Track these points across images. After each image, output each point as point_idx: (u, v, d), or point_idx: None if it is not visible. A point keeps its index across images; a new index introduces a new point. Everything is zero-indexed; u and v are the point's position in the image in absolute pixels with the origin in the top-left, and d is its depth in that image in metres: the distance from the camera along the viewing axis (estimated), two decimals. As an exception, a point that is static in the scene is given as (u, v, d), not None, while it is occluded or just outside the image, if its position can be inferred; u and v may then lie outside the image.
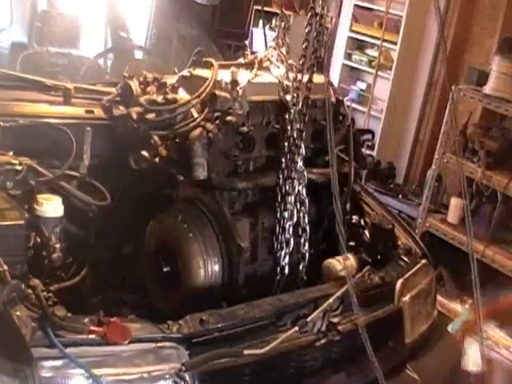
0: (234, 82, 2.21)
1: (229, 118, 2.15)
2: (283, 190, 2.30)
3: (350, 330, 2.19)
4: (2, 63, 3.53)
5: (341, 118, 2.62)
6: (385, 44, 6.29)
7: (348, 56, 6.66)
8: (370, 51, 6.59)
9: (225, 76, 2.26)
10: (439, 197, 5.13)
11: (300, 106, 2.31)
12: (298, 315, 2.08)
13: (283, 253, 2.29)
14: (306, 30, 2.25)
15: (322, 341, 2.11)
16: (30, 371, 1.49)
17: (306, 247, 2.34)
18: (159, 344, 1.71)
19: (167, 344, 1.72)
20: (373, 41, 6.45)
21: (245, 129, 2.23)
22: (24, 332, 1.53)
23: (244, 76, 2.33)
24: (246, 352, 1.84)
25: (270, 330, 2.00)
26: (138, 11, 4.28)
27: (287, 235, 2.29)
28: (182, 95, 2.29)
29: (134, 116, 2.21)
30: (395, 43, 6.17)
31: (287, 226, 2.29)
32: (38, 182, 2.07)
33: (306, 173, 2.33)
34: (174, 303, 2.15)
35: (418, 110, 6.14)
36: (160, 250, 2.21)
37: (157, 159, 2.17)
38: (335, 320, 2.18)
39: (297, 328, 1.98)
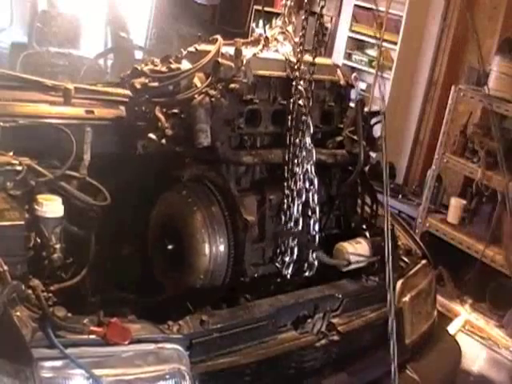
0: (238, 51, 2.18)
1: (232, 85, 2.13)
2: (290, 168, 2.25)
3: (350, 330, 2.20)
4: (2, 63, 3.53)
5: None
6: (385, 44, 6.29)
7: (348, 56, 6.67)
8: (370, 51, 6.59)
9: (230, 51, 2.24)
10: (439, 197, 5.14)
11: (306, 81, 2.27)
12: (297, 316, 2.09)
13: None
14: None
15: (322, 341, 2.11)
16: (31, 372, 1.49)
17: (317, 228, 2.28)
18: (159, 345, 1.70)
19: (167, 345, 1.72)
20: (373, 41, 6.45)
21: (249, 96, 2.20)
22: (24, 332, 1.53)
23: (250, 52, 2.31)
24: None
25: (270, 331, 2.00)
26: (138, 11, 4.28)
27: (296, 214, 2.23)
28: (187, 66, 2.28)
29: (138, 86, 2.21)
30: (395, 43, 6.17)
31: (295, 205, 2.23)
32: (38, 183, 2.06)
33: (314, 151, 2.28)
34: (180, 282, 2.13)
35: (418, 110, 6.14)
36: (165, 227, 2.18)
37: (163, 140, 2.15)
38: (335, 320, 2.18)
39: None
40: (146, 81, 2.22)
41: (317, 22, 2.27)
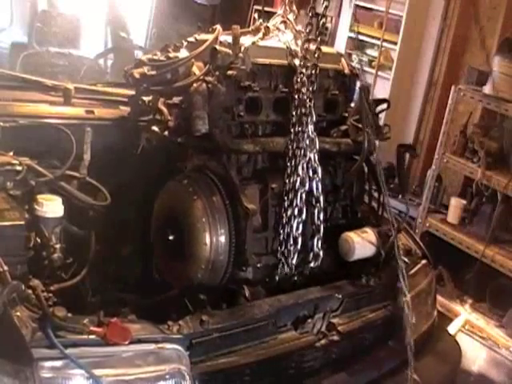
0: (235, 38, 2.16)
1: (230, 72, 2.11)
2: (293, 156, 2.21)
3: (350, 330, 2.19)
4: (2, 63, 3.53)
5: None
6: (385, 44, 6.29)
7: (348, 56, 6.66)
8: (370, 51, 6.59)
9: (229, 39, 2.22)
10: (439, 197, 5.14)
11: (309, 69, 2.24)
12: (297, 316, 2.08)
13: (295, 223, 2.19)
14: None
15: (322, 341, 2.11)
16: (31, 372, 1.49)
17: (321, 218, 2.25)
18: (159, 345, 1.70)
19: (167, 345, 1.72)
20: (373, 41, 6.45)
21: (247, 82, 2.17)
22: (24, 332, 1.53)
23: (250, 40, 2.29)
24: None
25: (270, 331, 2.00)
26: (137, 11, 4.28)
27: (299, 204, 2.19)
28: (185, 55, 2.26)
29: (137, 75, 2.21)
30: (395, 43, 6.17)
31: (299, 194, 2.19)
32: (38, 183, 2.07)
33: (317, 139, 2.24)
34: (181, 273, 2.11)
35: (418, 110, 6.14)
36: (166, 217, 2.17)
37: (166, 132, 2.14)
38: (335, 320, 2.18)
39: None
40: (145, 70, 2.21)
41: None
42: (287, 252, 2.19)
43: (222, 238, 2.07)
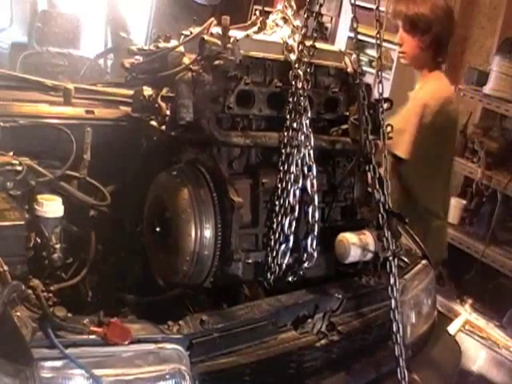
0: (225, 29, 2.13)
1: (217, 61, 2.06)
2: (286, 152, 2.16)
3: (350, 330, 2.20)
4: (2, 63, 3.54)
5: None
6: (385, 44, 6.29)
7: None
8: (370, 51, 6.58)
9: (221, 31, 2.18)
10: (439, 197, 5.13)
11: (304, 64, 2.21)
12: (297, 316, 2.08)
13: (287, 220, 2.12)
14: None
15: (322, 341, 2.11)
16: (31, 372, 1.49)
17: (316, 217, 2.17)
18: (159, 345, 1.70)
19: (167, 345, 1.72)
20: (373, 41, 6.44)
21: (234, 73, 2.11)
22: (24, 332, 1.53)
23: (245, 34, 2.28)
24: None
25: (270, 331, 2.00)
26: (137, 11, 4.29)
27: (292, 201, 2.12)
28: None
29: (127, 65, 2.21)
30: (395, 43, 6.17)
31: (291, 191, 2.13)
32: (38, 183, 2.07)
33: (312, 135, 2.18)
34: (166, 265, 2.08)
35: (418, 110, 6.13)
36: (155, 209, 2.14)
37: (163, 127, 2.13)
38: (335, 320, 2.18)
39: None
40: (136, 59, 2.21)
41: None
42: (277, 250, 2.13)
43: (208, 230, 2.03)
